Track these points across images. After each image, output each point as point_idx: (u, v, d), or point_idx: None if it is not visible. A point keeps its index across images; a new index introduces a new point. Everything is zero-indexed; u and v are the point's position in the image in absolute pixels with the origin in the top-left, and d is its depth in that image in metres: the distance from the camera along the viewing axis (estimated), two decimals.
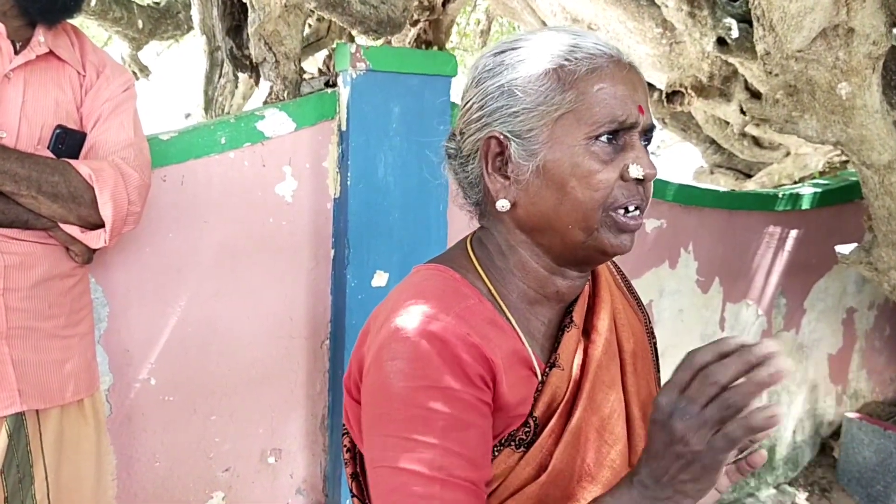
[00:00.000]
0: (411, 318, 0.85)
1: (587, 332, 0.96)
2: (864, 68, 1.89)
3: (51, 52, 1.61)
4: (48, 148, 1.57)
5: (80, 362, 1.66)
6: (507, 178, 0.90)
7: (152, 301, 1.98)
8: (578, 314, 0.96)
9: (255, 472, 2.18)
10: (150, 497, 2.01)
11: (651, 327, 1.11)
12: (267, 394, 2.18)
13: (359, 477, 1.01)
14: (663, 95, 3.72)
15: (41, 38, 1.60)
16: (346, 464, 1.02)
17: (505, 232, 0.93)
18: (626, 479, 0.80)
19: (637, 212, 0.89)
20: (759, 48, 2.02)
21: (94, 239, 1.59)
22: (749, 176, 5.28)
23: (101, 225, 1.58)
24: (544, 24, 3.81)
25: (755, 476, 3.47)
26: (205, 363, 2.07)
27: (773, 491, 3.48)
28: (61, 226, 1.56)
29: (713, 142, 5.20)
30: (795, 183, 4.54)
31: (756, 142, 4.77)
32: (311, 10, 2.37)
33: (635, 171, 0.86)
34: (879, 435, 3.37)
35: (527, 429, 0.88)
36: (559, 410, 0.89)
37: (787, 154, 4.71)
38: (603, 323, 0.96)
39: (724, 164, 5.53)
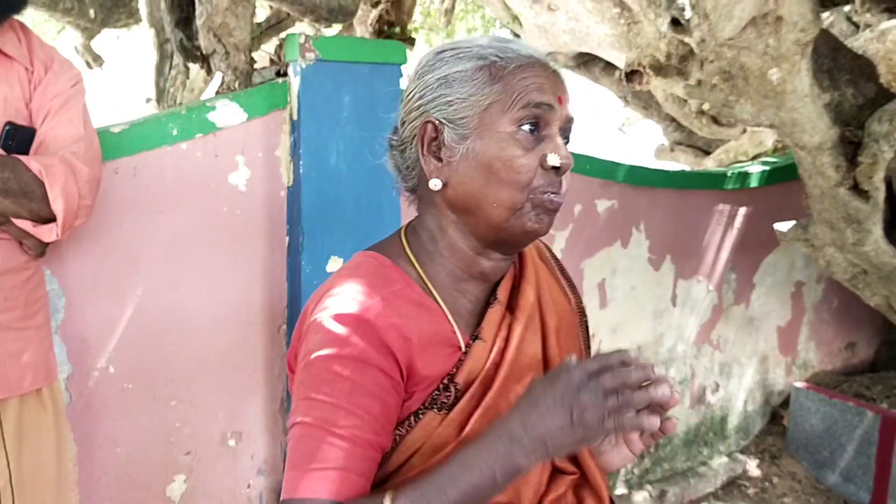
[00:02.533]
0: (340, 301, 0.94)
1: (512, 309, 1.05)
2: (793, 54, 1.97)
3: None
4: None
5: (37, 353, 1.70)
6: (440, 160, 0.99)
7: (109, 291, 2.02)
8: (503, 292, 1.05)
9: (216, 454, 2.24)
10: (113, 481, 2.07)
11: (582, 307, 1.21)
12: (226, 379, 2.23)
13: None
14: (623, 75, 3.80)
15: None
16: None
17: (437, 214, 1.02)
18: (492, 433, 0.88)
19: (555, 197, 0.98)
20: (696, 35, 2.10)
21: (46, 233, 1.62)
22: (708, 153, 5.39)
23: (53, 219, 1.61)
24: (505, 3, 3.86)
25: (708, 445, 3.60)
26: (163, 351, 2.11)
27: (725, 459, 3.61)
28: (13, 221, 1.58)
29: (673, 119, 5.30)
30: (753, 159, 4.67)
31: (714, 119, 4.87)
32: None
33: (553, 160, 0.96)
34: (825, 403, 3.52)
35: (448, 393, 0.97)
36: (480, 377, 0.98)
37: (744, 131, 4.83)
38: (527, 300, 1.05)
39: (683, 141, 5.64)
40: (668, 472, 3.45)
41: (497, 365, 1.00)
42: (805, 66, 2.01)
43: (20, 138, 1.63)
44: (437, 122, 0.98)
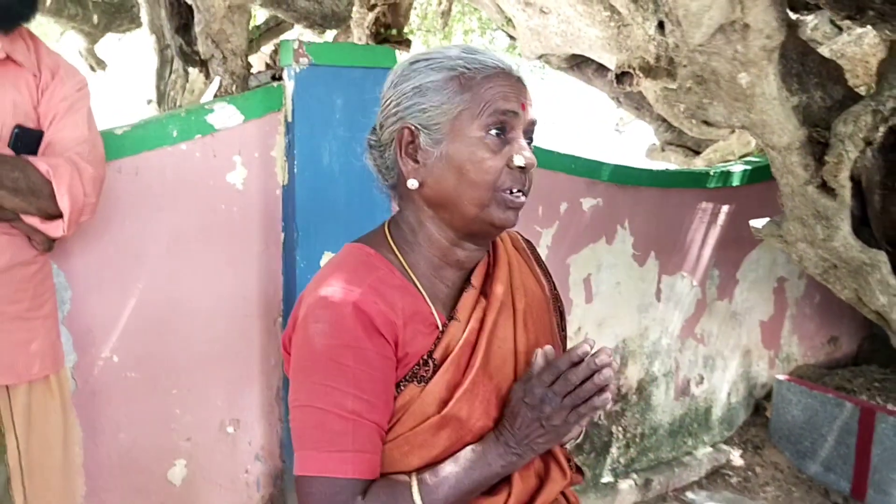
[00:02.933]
0: (333, 289, 1.06)
1: (486, 294, 1.16)
2: (761, 60, 2.08)
3: (8, 57, 1.71)
4: (8, 146, 1.68)
5: (44, 342, 1.80)
6: (417, 162, 1.10)
7: (112, 285, 2.12)
8: (477, 278, 1.16)
9: (215, 440, 2.35)
10: (116, 465, 2.17)
11: (556, 293, 1.33)
12: (224, 368, 2.34)
13: None
14: (613, 76, 3.90)
15: None
16: None
17: (416, 210, 1.13)
18: (493, 437, 1.08)
19: (520, 194, 1.10)
20: (670, 41, 2.20)
21: (54, 229, 1.71)
22: (698, 152, 5.49)
23: (60, 216, 1.70)
24: (499, 6, 3.96)
25: (692, 436, 3.71)
26: (164, 342, 2.22)
27: (709, 449, 3.72)
28: (23, 217, 1.68)
29: (664, 120, 5.40)
30: (741, 158, 4.77)
31: (703, 120, 4.97)
32: (258, 6, 2.50)
33: (518, 160, 1.07)
34: (806, 395, 3.62)
35: (427, 368, 1.09)
36: (455, 353, 1.09)
37: (733, 132, 4.93)
38: (499, 288, 1.17)
39: (674, 141, 5.73)
40: (653, 461, 3.56)
41: (472, 346, 1.11)
42: (772, 70, 2.12)
43: (28, 140, 1.73)
44: (413, 127, 1.09)
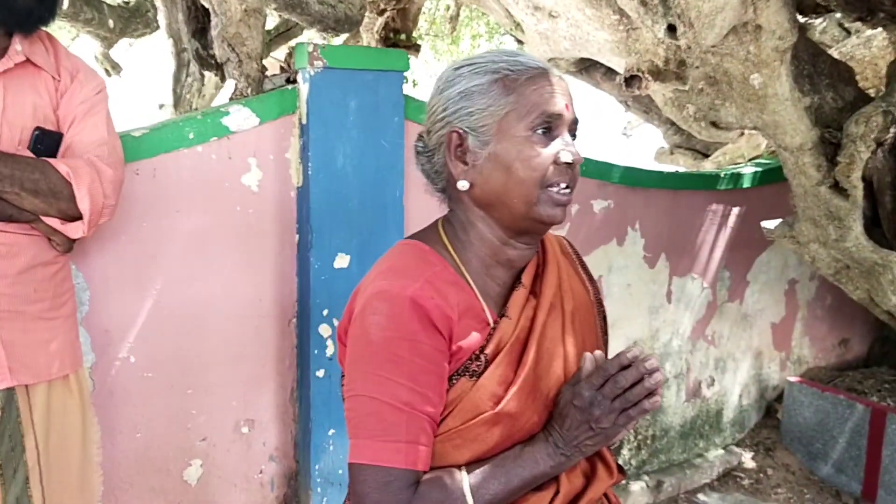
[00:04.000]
0: (390, 282, 1.09)
1: (535, 294, 1.19)
2: (773, 60, 2.09)
3: (27, 60, 1.73)
4: (28, 148, 1.70)
5: (64, 342, 1.82)
6: (466, 163, 1.13)
7: (130, 285, 2.14)
8: (527, 277, 1.19)
9: (230, 441, 2.36)
10: (133, 465, 2.19)
11: (600, 298, 1.35)
12: (239, 369, 2.36)
13: None
14: (622, 80, 3.91)
15: (18, 48, 1.71)
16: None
17: (465, 210, 1.17)
18: (542, 437, 1.11)
19: (567, 189, 1.12)
20: (682, 43, 2.22)
21: (74, 230, 1.73)
22: (706, 155, 5.49)
23: (80, 217, 1.72)
24: (508, 11, 3.98)
25: (703, 438, 3.71)
26: (181, 342, 2.24)
27: (721, 451, 3.72)
28: (43, 218, 1.70)
29: (673, 123, 5.40)
30: (750, 160, 4.78)
31: (712, 123, 4.97)
32: (272, 10, 2.53)
33: (565, 156, 1.11)
34: (818, 397, 3.62)
35: (478, 363, 1.11)
36: (506, 349, 1.12)
37: (742, 134, 4.94)
38: (549, 288, 1.20)
39: (683, 144, 5.73)
40: (664, 463, 3.56)
41: (523, 344, 1.14)
42: (785, 71, 2.13)
43: (48, 142, 1.75)
44: (461, 131, 1.12)
